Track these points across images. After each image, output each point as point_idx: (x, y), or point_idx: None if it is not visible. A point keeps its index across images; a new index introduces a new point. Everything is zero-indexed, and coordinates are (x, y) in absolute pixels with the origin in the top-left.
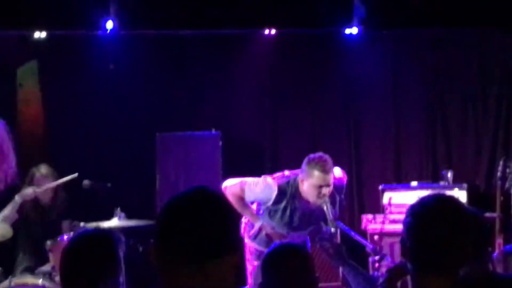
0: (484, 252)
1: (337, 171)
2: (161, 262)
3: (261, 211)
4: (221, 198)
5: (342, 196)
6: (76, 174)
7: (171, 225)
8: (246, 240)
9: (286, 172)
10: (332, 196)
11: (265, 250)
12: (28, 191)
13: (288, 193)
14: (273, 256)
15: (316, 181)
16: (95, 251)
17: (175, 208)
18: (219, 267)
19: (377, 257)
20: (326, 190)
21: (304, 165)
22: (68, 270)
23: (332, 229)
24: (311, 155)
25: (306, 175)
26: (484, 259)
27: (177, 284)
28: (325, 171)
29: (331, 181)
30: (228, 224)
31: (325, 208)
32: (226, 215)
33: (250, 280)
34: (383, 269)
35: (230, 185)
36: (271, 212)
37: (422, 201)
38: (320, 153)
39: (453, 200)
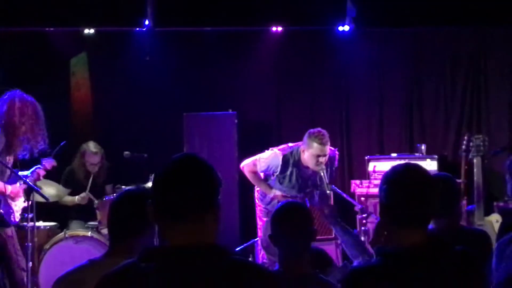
0: (454, 208)
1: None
2: (155, 217)
3: (272, 181)
4: (203, 161)
5: (335, 165)
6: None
7: (161, 187)
8: (257, 201)
9: (290, 144)
10: (327, 165)
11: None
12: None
13: (291, 161)
14: (280, 212)
15: (315, 151)
16: (136, 204)
17: (165, 173)
18: (205, 221)
19: (364, 215)
20: (323, 159)
21: (305, 138)
22: (115, 219)
23: (327, 191)
24: (311, 130)
25: (306, 146)
26: (454, 215)
27: (169, 235)
28: (323, 143)
29: (327, 152)
30: (210, 186)
31: (322, 174)
32: (209, 178)
33: (260, 233)
34: (369, 225)
35: (246, 164)
36: (280, 180)
37: (394, 169)
38: (319, 128)
39: (419, 167)
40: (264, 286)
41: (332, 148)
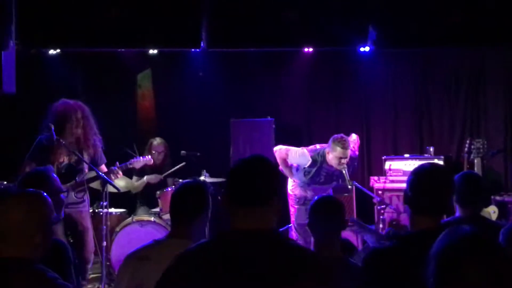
0: (477, 200)
1: (354, 137)
2: (227, 205)
3: (298, 170)
4: (268, 161)
5: (356, 163)
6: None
7: (233, 180)
8: (290, 192)
9: (318, 146)
10: (348, 164)
11: (301, 197)
12: (152, 177)
13: (318, 161)
14: (317, 203)
15: (337, 154)
16: (193, 193)
17: (237, 168)
18: (266, 210)
19: (382, 206)
20: (344, 161)
21: (330, 142)
22: (176, 206)
23: (349, 186)
24: (335, 136)
25: (331, 149)
26: (477, 205)
27: (238, 222)
28: (345, 147)
29: (348, 154)
30: (272, 179)
31: (344, 172)
32: (272, 173)
33: (293, 218)
34: (386, 214)
35: (279, 150)
36: (305, 172)
37: (421, 166)
38: (341, 134)
39: (442, 168)
40: (316, 269)
41: (353, 140)
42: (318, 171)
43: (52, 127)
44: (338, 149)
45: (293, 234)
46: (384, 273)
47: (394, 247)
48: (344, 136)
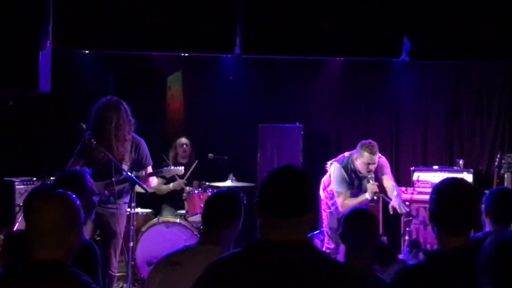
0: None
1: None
2: (261, 215)
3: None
4: (303, 172)
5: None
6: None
7: (269, 190)
8: (322, 196)
9: (346, 154)
10: (376, 172)
11: (330, 205)
12: (176, 184)
13: (349, 169)
14: (350, 216)
15: (365, 159)
16: (228, 202)
17: (272, 179)
18: (300, 222)
19: (409, 218)
20: (372, 167)
21: (358, 147)
22: (209, 213)
23: (375, 197)
24: (363, 141)
25: (359, 155)
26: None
27: (272, 232)
28: (373, 153)
29: (376, 160)
30: (308, 192)
31: (371, 181)
32: (307, 185)
33: (324, 223)
34: (412, 226)
35: (340, 205)
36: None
37: (442, 182)
38: (370, 140)
39: (464, 182)
40: (347, 282)
41: (380, 156)
42: (350, 176)
43: (84, 127)
44: (366, 154)
45: (317, 242)
46: None
47: (425, 265)
48: (372, 141)
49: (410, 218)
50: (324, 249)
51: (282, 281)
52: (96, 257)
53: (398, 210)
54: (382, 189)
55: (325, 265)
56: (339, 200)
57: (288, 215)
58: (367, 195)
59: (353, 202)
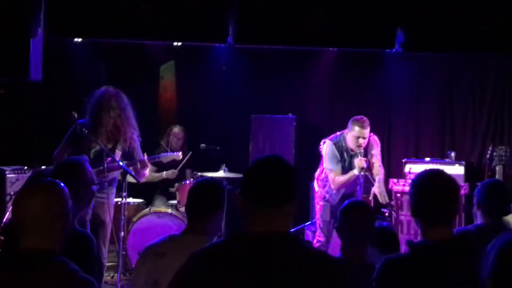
0: (504, 209)
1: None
2: (243, 205)
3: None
4: (286, 162)
5: (374, 149)
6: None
7: (251, 180)
8: (317, 188)
9: (338, 133)
10: (366, 150)
11: (327, 196)
12: (170, 173)
13: (341, 146)
14: (346, 208)
15: (355, 133)
16: (211, 191)
17: (254, 169)
18: (283, 212)
19: (387, 209)
20: (362, 141)
21: (349, 122)
22: (193, 203)
23: (362, 173)
24: (355, 116)
25: (349, 129)
26: (503, 214)
27: (253, 223)
28: (363, 126)
29: (367, 135)
30: (291, 181)
31: (360, 155)
32: (289, 174)
33: (317, 215)
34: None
35: (331, 181)
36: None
37: (419, 175)
38: (361, 115)
39: (441, 173)
40: (332, 273)
41: (372, 134)
42: (341, 153)
43: (76, 116)
44: (356, 128)
45: (309, 234)
46: (397, 284)
47: (409, 258)
48: (364, 117)
49: (387, 211)
50: (314, 242)
51: (263, 272)
52: (92, 247)
53: (379, 198)
54: (369, 168)
55: (308, 256)
56: (330, 177)
57: (269, 204)
58: (355, 171)
59: (342, 178)
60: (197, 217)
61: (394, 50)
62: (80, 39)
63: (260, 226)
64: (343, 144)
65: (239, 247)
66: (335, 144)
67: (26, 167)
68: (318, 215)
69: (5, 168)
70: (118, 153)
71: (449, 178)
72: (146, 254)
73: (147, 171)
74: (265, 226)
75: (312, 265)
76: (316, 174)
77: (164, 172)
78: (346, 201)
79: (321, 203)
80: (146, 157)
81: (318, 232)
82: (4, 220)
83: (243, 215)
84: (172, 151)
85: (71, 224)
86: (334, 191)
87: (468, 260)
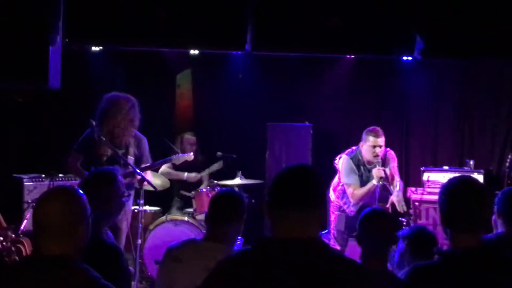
0: None
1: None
2: (270, 212)
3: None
4: (314, 170)
5: (392, 164)
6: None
7: (279, 185)
8: (332, 198)
9: (354, 147)
10: (383, 164)
11: (344, 207)
12: (192, 176)
13: (358, 160)
14: (366, 216)
15: (370, 143)
16: (232, 202)
17: (282, 176)
18: (310, 217)
19: (405, 218)
20: (378, 150)
21: (363, 134)
22: (213, 212)
23: (380, 182)
24: (368, 128)
25: (364, 141)
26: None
27: (281, 229)
28: (377, 135)
29: (382, 143)
30: (318, 187)
31: (378, 165)
32: (317, 181)
33: (332, 225)
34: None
35: (351, 196)
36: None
37: (450, 182)
38: (374, 126)
39: (472, 179)
40: (361, 280)
41: (389, 149)
42: (358, 167)
43: (94, 123)
44: (371, 138)
45: (326, 242)
46: None
47: (438, 265)
48: (376, 127)
49: (405, 221)
50: None
51: (292, 279)
52: (121, 260)
53: (397, 207)
54: (387, 179)
55: (335, 263)
56: (349, 191)
57: (297, 208)
58: (374, 181)
59: (362, 191)
60: (217, 226)
61: (412, 57)
62: (98, 47)
63: (288, 232)
64: (360, 158)
65: (268, 254)
66: (351, 158)
67: (43, 175)
68: (332, 224)
69: (22, 176)
70: (131, 159)
71: (480, 185)
72: (165, 257)
73: (149, 175)
74: (293, 232)
75: (340, 272)
76: (333, 184)
77: (186, 173)
78: (367, 209)
79: (336, 212)
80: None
81: (332, 242)
82: (22, 227)
83: (271, 222)
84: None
85: (100, 235)
86: (353, 204)
87: (498, 268)
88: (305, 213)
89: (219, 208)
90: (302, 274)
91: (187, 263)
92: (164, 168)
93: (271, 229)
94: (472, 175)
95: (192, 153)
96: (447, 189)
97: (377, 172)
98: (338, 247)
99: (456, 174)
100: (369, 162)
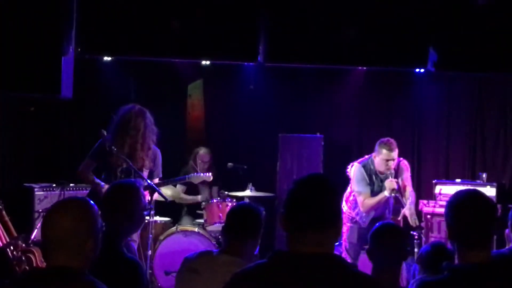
0: None
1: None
2: (286, 227)
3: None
4: (330, 182)
5: (405, 174)
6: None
7: (294, 203)
8: (345, 209)
9: (366, 156)
10: (396, 174)
11: (357, 218)
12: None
13: (370, 169)
14: (377, 231)
15: (384, 156)
16: (251, 216)
17: (297, 190)
18: (326, 235)
19: (415, 233)
20: (391, 163)
21: (376, 146)
22: (231, 225)
23: (392, 194)
24: (382, 139)
25: (377, 153)
26: None
27: (296, 244)
28: (391, 149)
29: (395, 157)
30: (334, 204)
31: (390, 177)
32: (333, 197)
33: (344, 237)
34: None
35: (361, 205)
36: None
37: (457, 196)
38: (387, 138)
39: (479, 193)
40: None
41: (402, 159)
42: (370, 176)
43: (105, 133)
44: (384, 151)
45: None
46: None
47: (447, 281)
48: (390, 139)
49: (416, 235)
50: None
51: None
52: (141, 274)
53: (409, 220)
54: (399, 190)
55: (352, 278)
56: (359, 199)
57: (313, 228)
58: (386, 193)
59: (373, 201)
60: (235, 240)
61: (425, 69)
62: (110, 57)
63: (304, 248)
64: (372, 167)
65: (283, 268)
66: (363, 166)
67: (54, 185)
68: (345, 236)
69: (33, 185)
70: (145, 172)
71: (486, 198)
72: (182, 268)
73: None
74: (309, 248)
75: (356, 287)
76: (345, 195)
77: (200, 196)
78: (377, 224)
79: (348, 224)
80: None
81: (344, 254)
82: (32, 237)
83: (287, 236)
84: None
85: (121, 249)
86: (364, 214)
87: (508, 285)
88: (322, 232)
89: (237, 222)
90: None
91: (204, 274)
92: (177, 191)
93: (287, 242)
94: (484, 189)
95: (210, 174)
96: (454, 203)
97: (389, 183)
98: (350, 261)
99: (469, 187)
100: (381, 172)
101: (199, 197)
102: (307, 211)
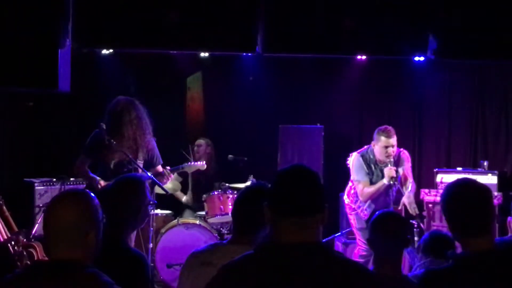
0: None
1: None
2: (271, 216)
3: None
4: (313, 171)
5: (405, 164)
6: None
7: (279, 193)
8: (347, 201)
9: (366, 146)
10: (396, 164)
11: (358, 210)
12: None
13: (368, 157)
14: (377, 219)
15: (382, 143)
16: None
17: (281, 178)
18: (312, 221)
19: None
20: (390, 150)
21: (374, 134)
22: (242, 213)
23: (391, 182)
24: (379, 127)
25: (376, 141)
26: None
27: (283, 233)
28: (389, 136)
29: (394, 143)
30: (318, 189)
31: (390, 165)
32: (317, 183)
33: (353, 227)
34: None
35: (360, 194)
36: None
37: (448, 187)
38: (385, 125)
39: (472, 182)
40: (364, 284)
41: (403, 150)
42: (369, 166)
43: (104, 127)
44: (383, 138)
45: (339, 245)
46: None
47: (452, 269)
48: (388, 126)
49: (416, 221)
50: (356, 252)
51: (295, 283)
52: (146, 270)
53: (409, 209)
54: (400, 181)
55: (340, 267)
56: (359, 188)
57: (300, 214)
58: (385, 180)
59: (372, 189)
60: (246, 228)
61: (425, 57)
62: (108, 50)
63: (290, 237)
64: (371, 157)
65: (271, 258)
66: (362, 156)
67: (54, 179)
68: (353, 226)
69: (33, 180)
70: (140, 163)
71: (478, 185)
72: (191, 262)
73: (168, 181)
74: (295, 237)
75: (344, 276)
76: (346, 190)
77: (184, 197)
78: (377, 212)
79: (353, 212)
80: (168, 168)
81: (360, 244)
82: (33, 232)
83: (272, 226)
84: (200, 171)
85: (125, 244)
86: (366, 206)
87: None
88: (309, 218)
89: (249, 208)
90: (307, 278)
91: (218, 266)
92: (177, 184)
93: (271, 232)
94: (486, 177)
95: (204, 162)
96: (447, 194)
97: (388, 171)
98: (365, 251)
99: (470, 176)
100: (381, 161)
101: (183, 198)
102: (292, 198)
